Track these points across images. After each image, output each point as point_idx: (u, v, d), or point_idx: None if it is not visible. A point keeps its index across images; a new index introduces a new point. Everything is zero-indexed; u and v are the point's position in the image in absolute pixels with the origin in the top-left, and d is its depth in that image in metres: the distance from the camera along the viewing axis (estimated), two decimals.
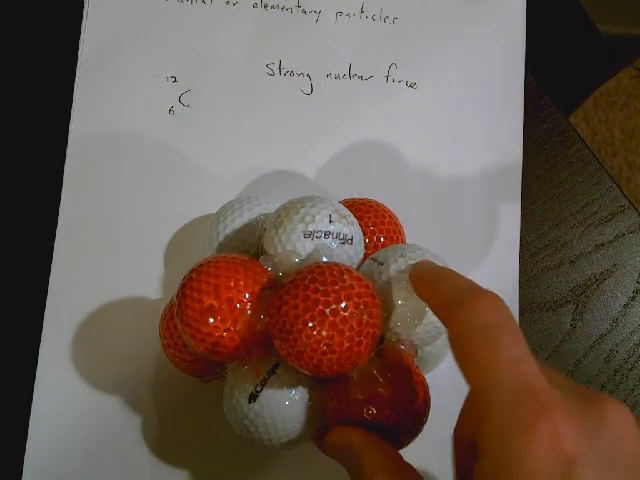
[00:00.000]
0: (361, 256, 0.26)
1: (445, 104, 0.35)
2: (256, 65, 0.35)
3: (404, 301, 0.24)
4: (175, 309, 0.24)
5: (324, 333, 0.21)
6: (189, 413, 0.31)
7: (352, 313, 0.21)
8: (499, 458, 0.16)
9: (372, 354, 0.23)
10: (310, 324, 0.21)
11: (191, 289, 0.23)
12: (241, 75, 0.35)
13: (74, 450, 0.31)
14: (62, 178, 0.33)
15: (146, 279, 0.32)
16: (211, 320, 0.23)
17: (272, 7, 0.36)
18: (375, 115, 0.35)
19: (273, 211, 0.26)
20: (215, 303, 0.23)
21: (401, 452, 0.24)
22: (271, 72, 0.35)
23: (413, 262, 0.24)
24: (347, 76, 0.35)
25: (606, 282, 0.34)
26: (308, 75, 0.35)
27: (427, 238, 0.31)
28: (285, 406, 0.24)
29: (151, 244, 0.33)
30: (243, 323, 0.23)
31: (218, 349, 0.23)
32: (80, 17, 0.35)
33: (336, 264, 0.23)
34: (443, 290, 0.20)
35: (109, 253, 0.33)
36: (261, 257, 0.25)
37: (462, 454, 0.18)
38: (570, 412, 0.17)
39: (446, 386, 0.31)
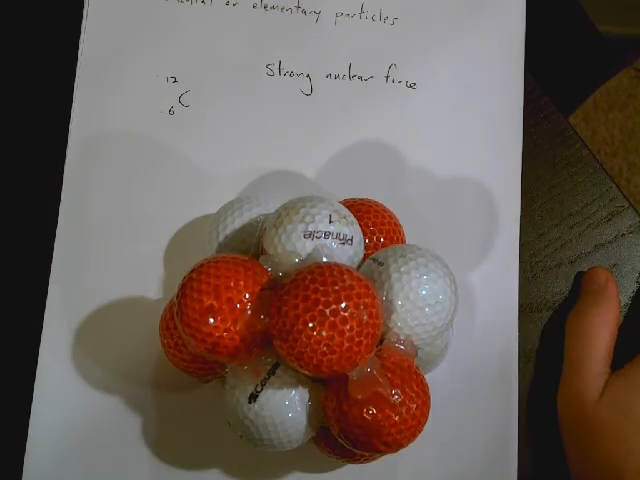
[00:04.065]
0: (361, 256, 0.26)
1: (445, 104, 0.35)
2: (256, 66, 0.35)
3: (404, 301, 0.24)
4: (175, 309, 0.24)
5: (324, 333, 0.21)
6: (189, 413, 0.31)
7: (352, 313, 0.21)
8: None
9: (372, 354, 0.23)
10: (310, 324, 0.21)
11: (191, 289, 0.23)
12: (241, 76, 0.35)
13: (74, 450, 0.31)
14: (62, 178, 0.33)
15: (146, 279, 0.32)
16: (211, 320, 0.23)
17: (272, 7, 0.36)
18: (375, 115, 0.35)
19: (273, 211, 0.26)
20: (215, 303, 0.23)
21: (401, 452, 0.24)
22: (271, 72, 0.35)
23: (413, 262, 0.24)
24: (347, 76, 0.35)
25: None
26: (308, 76, 0.35)
27: (427, 238, 0.31)
28: (285, 406, 0.24)
29: (151, 244, 0.33)
30: (243, 323, 0.23)
31: (218, 349, 0.23)
32: (80, 17, 0.35)
33: (336, 264, 0.23)
34: None
35: (109, 253, 0.33)
36: (261, 257, 0.25)
37: None
38: None
39: (446, 386, 0.31)
